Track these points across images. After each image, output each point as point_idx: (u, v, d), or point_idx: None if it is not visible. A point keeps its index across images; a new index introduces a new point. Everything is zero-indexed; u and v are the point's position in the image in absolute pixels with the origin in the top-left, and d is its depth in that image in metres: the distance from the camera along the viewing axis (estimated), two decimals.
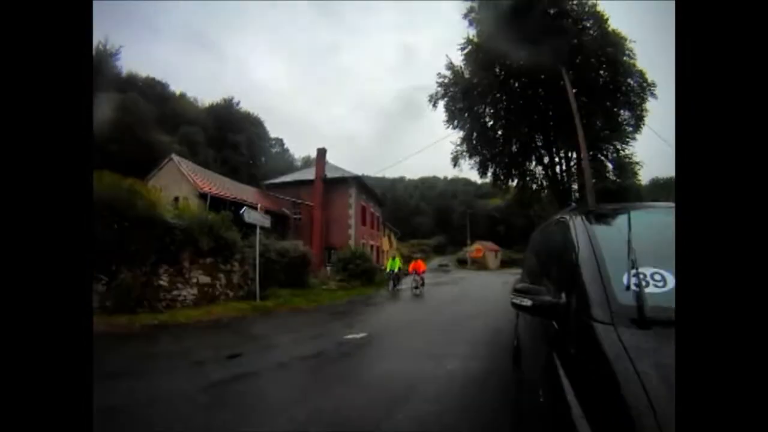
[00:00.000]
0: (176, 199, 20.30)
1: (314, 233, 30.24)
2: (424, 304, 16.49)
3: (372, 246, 37.50)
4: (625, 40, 21.33)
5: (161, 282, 11.71)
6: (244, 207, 15.04)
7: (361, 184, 35.20)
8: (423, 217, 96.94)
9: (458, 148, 25.55)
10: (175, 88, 72.10)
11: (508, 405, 4.70)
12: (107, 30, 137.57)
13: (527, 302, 2.34)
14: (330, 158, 34.21)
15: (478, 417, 4.60)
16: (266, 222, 15.46)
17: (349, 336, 9.26)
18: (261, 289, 14.21)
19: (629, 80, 21.89)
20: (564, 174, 24.61)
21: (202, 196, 23.13)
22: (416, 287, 21.01)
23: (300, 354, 7.58)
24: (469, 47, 23.26)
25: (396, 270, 23.88)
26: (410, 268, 23.40)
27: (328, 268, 26.45)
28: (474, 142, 25.20)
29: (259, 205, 17.73)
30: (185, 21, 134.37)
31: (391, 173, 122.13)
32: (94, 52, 63.77)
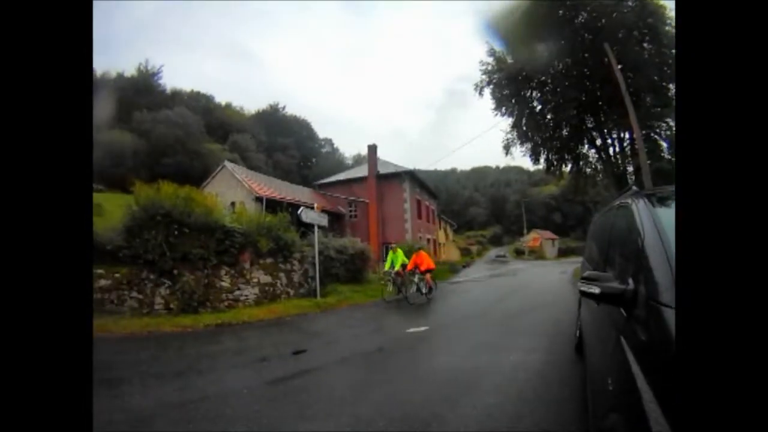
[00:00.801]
0: (232, 204, 20.77)
1: (370, 229, 30.22)
2: (483, 297, 16.14)
3: (429, 239, 37.29)
4: (665, 8, 20.27)
5: (223, 283, 12.02)
6: (302, 207, 15.13)
7: (414, 178, 34.90)
8: (477, 208, 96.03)
9: (508, 135, 25.02)
10: (221, 98, 74.45)
11: (573, 395, 4.60)
12: (146, 51, 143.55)
13: (595, 289, 2.27)
14: (381, 154, 33.92)
15: (543, 408, 4.45)
16: (323, 221, 15.56)
17: (411, 330, 9.18)
18: (321, 287, 14.35)
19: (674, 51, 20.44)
20: (618, 156, 23.62)
21: (258, 199, 23.58)
22: (420, 291, 14.96)
23: (362, 349, 7.56)
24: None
25: (398, 268, 15.45)
26: (410, 264, 15.49)
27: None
28: (524, 128, 24.53)
29: (315, 205, 17.86)
30: (222, 33, 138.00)
31: (442, 165, 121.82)
32: (136, 74, 67.19)
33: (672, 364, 1.36)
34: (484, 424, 4.09)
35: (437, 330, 9.26)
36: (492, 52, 23.94)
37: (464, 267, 38.67)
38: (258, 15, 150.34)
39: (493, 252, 70.03)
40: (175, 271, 11.16)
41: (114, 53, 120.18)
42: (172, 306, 11.02)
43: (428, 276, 15.14)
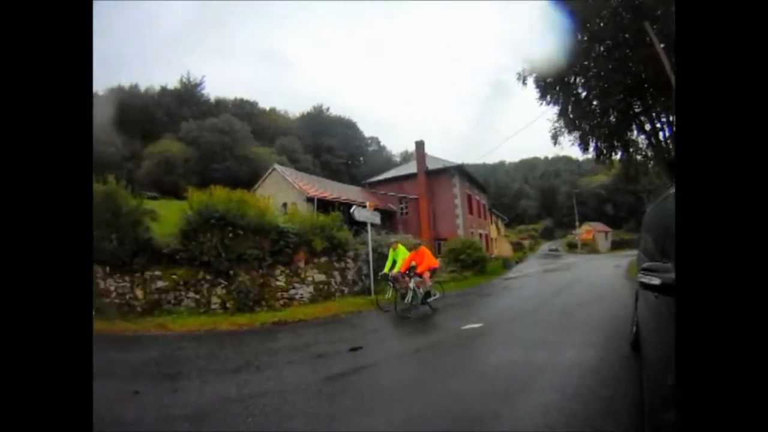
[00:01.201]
0: (284, 205, 21.05)
1: (422, 226, 30.02)
2: (537, 292, 15.77)
3: (480, 235, 36.70)
4: None
5: (278, 282, 12.24)
6: (354, 206, 15.23)
7: (463, 172, 34.38)
8: (527, 200, 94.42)
9: (555, 124, 24.08)
10: (264, 104, 75.85)
11: (628, 392, 4.46)
12: (187, 63, 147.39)
13: (656, 281, 2.26)
14: (428, 150, 33.68)
15: (598, 405, 4.30)
16: (376, 219, 15.57)
17: (466, 327, 9.04)
18: (375, 284, 14.33)
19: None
20: (668, 141, 22.11)
21: (309, 200, 23.85)
22: (418, 299, 11.50)
23: (418, 345, 7.51)
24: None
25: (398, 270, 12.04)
26: (405, 265, 11.88)
27: (439, 260, 26.07)
28: (570, 116, 23.41)
29: (368, 203, 17.85)
30: (260, 40, 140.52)
31: (490, 159, 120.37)
32: (179, 86, 69.44)
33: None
34: (539, 421, 3.99)
35: (492, 327, 9.08)
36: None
37: (517, 263, 38.00)
38: (292, 17, 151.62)
39: (545, 246, 68.80)
40: (231, 272, 11.46)
41: (154, 68, 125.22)
42: (228, 305, 11.31)
43: (427, 276, 11.59)
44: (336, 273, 13.77)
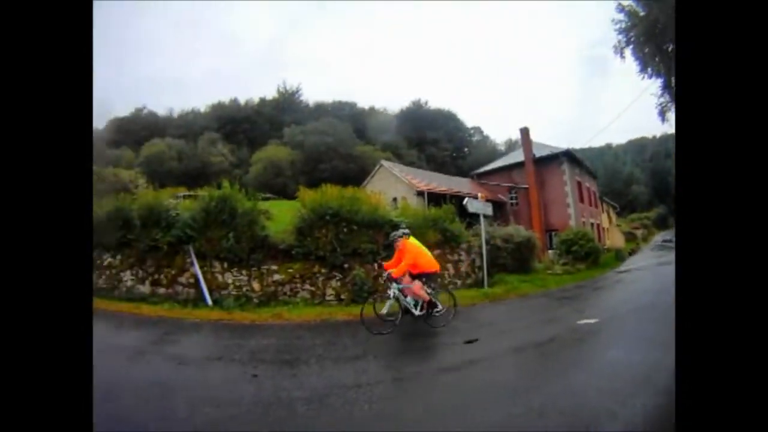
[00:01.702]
0: (394, 200, 21.39)
1: (533, 216, 29.17)
2: (651, 287, 14.85)
3: (592, 224, 35.06)
4: None
5: None
6: (466, 197, 15.16)
7: (572, 158, 32.90)
8: (638, 186, 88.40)
9: (660, 99, 22.35)
10: (363, 104, 76.95)
11: None
12: (282, 73, 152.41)
13: None
14: (532, 137, 32.34)
15: None
16: (488, 210, 15.42)
17: (582, 321, 8.82)
18: (488, 277, 14.19)
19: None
20: None
21: (419, 194, 24.05)
22: (410, 312, 8.74)
23: (533, 340, 7.41)
24: None
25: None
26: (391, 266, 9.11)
27: (551, 252, 25.31)
28: (674, 88, 21.84)
29: (479, 194, 17.64)
30: (355, 41, 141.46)
31: (596, 141, 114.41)
32: (277, 95, 72.32)
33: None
34: (654, 423, 3.92)
35: (607, 323, 8.86)
36: (621, 8, 21.74)
37: (630, 254, 35.95)
38: (372, 17, 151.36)
39: (659, 236, 64.34)
40: (346, 265, 11.91)
41: (251, 82, 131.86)
42: (342, 297, 11.77)
43: (417, 287, 8.70)
44: (449, 265, 13.81)
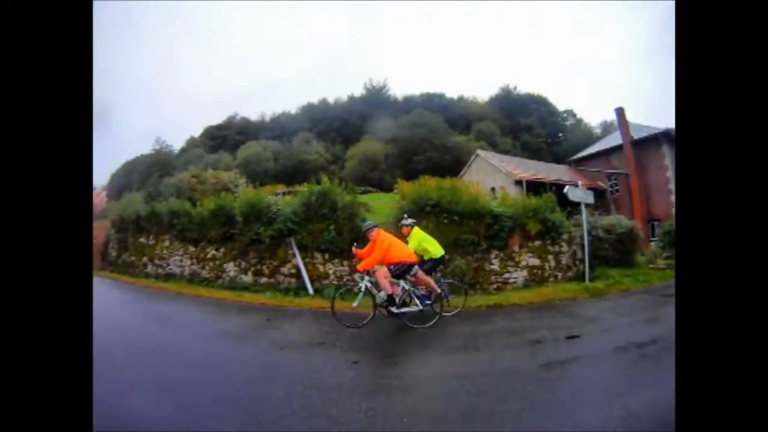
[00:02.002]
0: (492, 189, 21.02)
1: (634, 205, 26.97)
2: None
3: None
4: None
5: (492, 266, 12.30)
6: (567, 186, 14.40)
7: (673, 139, 28.80)
8: None
9: None
10: (451, 94, 76.22)
11: None
12: (369, 71, 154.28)
13: None
14: (630, 117, 29.61)
15: None
16: (589, 198, 14.46)
17: None
18: (589, 269, 13.46)
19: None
20: None
21: (518, 182, 23.49)
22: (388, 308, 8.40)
23: (636, 339, 6.92)
24: None
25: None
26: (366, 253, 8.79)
27: (653, 244, 23.60)
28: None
29: (580, 182, 16.79)
30: (437, 31, 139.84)
31: None
32: (365, 92, 73.18)
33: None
34: None
35: None
36: None
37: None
38: (451, 7, 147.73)
39: None
40: (447, 256, 11.62)
41: (340, 82, 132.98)
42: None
43: (379, 274, 8.33)
44: (550, 257, 13.26)
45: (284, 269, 12.92)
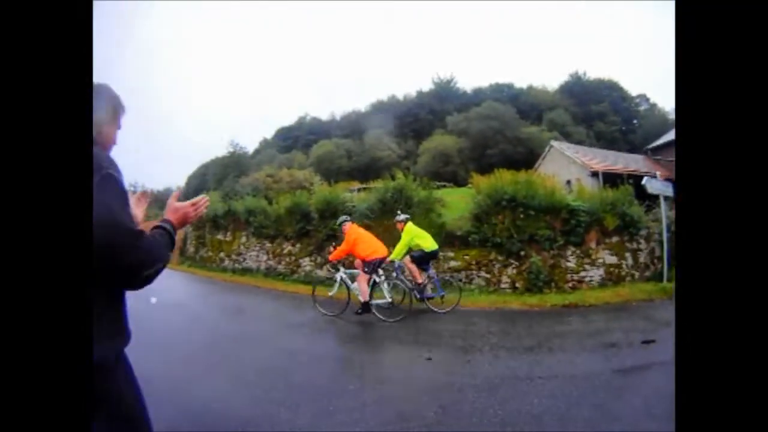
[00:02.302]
0: (568, 182, 20.40)
1: None
2: None
3: None
4: None
5: (568, 263, 11.81)
6: (645, 177, 13.54)
7: None
8: None
9: None
10: (520, 83, 74.23)
11: None
12: (435, 66, 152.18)
13: None
14: None
15: None
16: (669, 191, 13.32)
17: None
18: (668, 269, 12.39)
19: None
20: None
21: (594, 174, 22.67)
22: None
23: None
24: None
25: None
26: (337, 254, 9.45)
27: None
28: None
29: (658, 173, 15.81)
30: (500, 19, 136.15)
31: None
32: (433, 86, 72.76)
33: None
34: None
35: None
36: None
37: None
38: None
39: None
40: (522, 252, 11.49)
41: (405, 78, 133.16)
42: (518, 285, 11.38)
43: (362, 279, 9.02)
44: (627, 255, 12.57)
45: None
